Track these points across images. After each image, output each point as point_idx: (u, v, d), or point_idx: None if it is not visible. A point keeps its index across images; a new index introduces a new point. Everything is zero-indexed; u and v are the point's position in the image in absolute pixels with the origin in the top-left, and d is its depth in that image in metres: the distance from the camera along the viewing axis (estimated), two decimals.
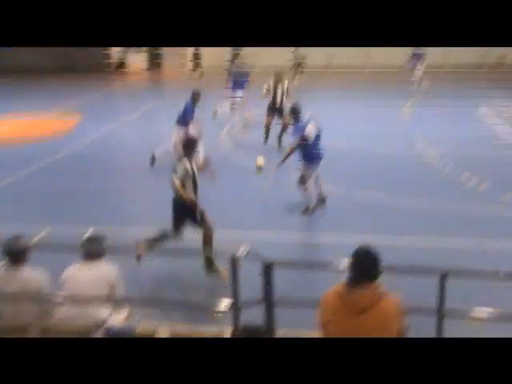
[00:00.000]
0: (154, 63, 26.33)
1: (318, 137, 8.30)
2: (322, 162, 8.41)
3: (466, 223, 7.96)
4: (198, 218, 6.60)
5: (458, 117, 14.74)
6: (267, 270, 3.97)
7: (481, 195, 8.98)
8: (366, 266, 3.38)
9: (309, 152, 8.24)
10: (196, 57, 23.11)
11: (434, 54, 22.01)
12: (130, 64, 25.95)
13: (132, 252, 6.11)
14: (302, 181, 8.38)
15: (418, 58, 18.09)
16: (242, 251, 3.72)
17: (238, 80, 13.66)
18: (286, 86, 11.44)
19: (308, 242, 7.87)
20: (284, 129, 11.57)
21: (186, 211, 6.62)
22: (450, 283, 3.73)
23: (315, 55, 21.30)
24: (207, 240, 6.57)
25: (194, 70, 22.88)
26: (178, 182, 6.47)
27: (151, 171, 10.82)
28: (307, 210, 8.43)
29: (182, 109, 10.71)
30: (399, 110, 15.59)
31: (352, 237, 7.59)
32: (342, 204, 8.71)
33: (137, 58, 25.85)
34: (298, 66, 20.49)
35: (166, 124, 15.80)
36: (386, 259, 3.46)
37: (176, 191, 6.53)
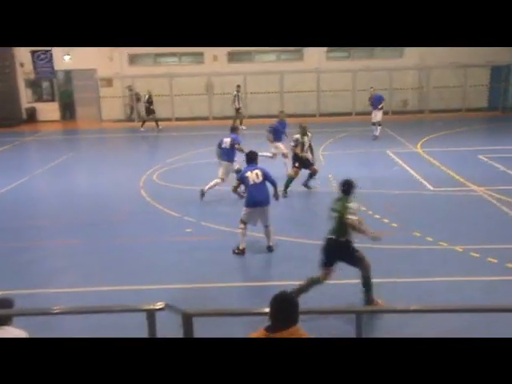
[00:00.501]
0: (67, 113, 25.80)
1: (257, 185, 8.58)
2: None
3: (381, 260, 8.29)
4: (356, 257, 6.57)
5: (369, 159, 15.57)
6: (187, 320, 3.91)
7: (394, 231, 9.43)
8: (284, 311, 3.41)
9: (249, 196, 8.64)
10: (149, 103, 21.85)
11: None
12: (42, 114, 25.26)
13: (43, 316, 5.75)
14: (241, 221, 8.69)
15: (376, 102, 18.15)
16: (159, 305, 3.64)
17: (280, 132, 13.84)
18: (310, 137, 12.14)
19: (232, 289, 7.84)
20: (312, 174, 12.26)
21: (343, 252, 6.58)
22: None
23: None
24: (367, 280, 6.54)
25: (148, 116, 21.96)
26: (355, 220, 6.41)
27: (62, 228, 10.41)
28: (236, 250, 8.65)
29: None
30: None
31: (280, 280, 7.70)
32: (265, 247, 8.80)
33: (49, 108, 25.23)
34: (238, 110, 21.52)
35: (79, 176, 15.54)
36: (304, 302, 3.52)
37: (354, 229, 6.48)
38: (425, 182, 12.57)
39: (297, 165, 12.04)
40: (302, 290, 6.52)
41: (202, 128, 22.14)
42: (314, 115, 23.34)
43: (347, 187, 6.71)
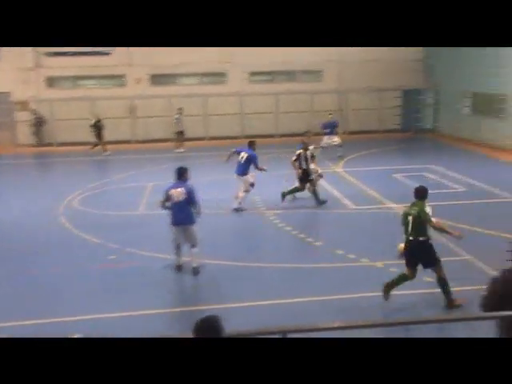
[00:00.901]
0: None
1: (179, 203, 8.47)
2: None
3: (304, 278, 8.43)
4: (435, 258, 7.00)
5: (292, 180, 15.84)
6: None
7: (318, 250, 9.63)
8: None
9: (171, 214, 8.58)
10: (98, 128, 21.04)
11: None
12: None
13: None
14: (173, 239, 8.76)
15: (331, 127, 19.11)
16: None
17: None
18: (309, 153, 12.55)
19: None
20: (315, 189, 12.55)
21: (424, 251, 6.99)
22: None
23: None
24: (442, 279, 7.03)
25: (98, 141, 21.08)
26: (438, 222, 7.00)
27: None
28: (175, 267, 8.73)
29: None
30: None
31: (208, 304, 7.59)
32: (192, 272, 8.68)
33: None
34: (181, 133, 21.29)
35: None
36: (230, 325, 3.49)
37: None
38: (346, 201, 12.98)
39: (301, 182, 12.58)
40: (394, 284, 7.20)
41: (126, 152, 21.69)
42: (237, 137, 23.53)
43: (422, 193, 7.30)
